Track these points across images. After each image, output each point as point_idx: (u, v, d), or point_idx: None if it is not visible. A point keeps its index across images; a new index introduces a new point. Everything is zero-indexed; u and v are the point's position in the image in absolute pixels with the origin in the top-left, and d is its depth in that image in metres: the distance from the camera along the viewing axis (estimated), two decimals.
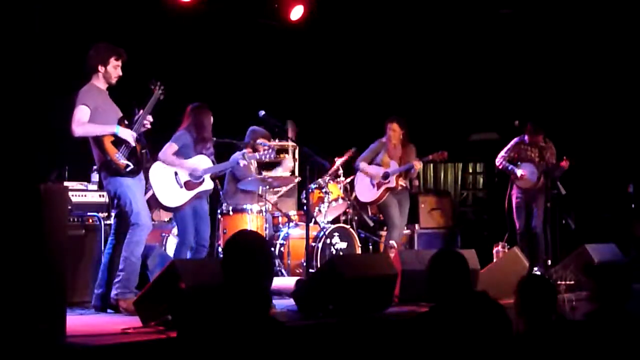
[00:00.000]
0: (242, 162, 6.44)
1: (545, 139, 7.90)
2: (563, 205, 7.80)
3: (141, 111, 5.47)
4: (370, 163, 7.67)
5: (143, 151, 5.48)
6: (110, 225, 6.39)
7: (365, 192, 7.69)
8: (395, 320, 5.00)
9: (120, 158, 5.22)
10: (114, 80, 5.36)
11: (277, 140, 8.37)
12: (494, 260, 6.83)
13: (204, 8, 8.34)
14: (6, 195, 3.81)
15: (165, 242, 7.14)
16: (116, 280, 5.22)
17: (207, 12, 8.45)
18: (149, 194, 6.16)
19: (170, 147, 6.16)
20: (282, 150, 8.73)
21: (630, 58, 8.82)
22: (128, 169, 5.25)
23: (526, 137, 7.91)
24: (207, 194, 6.27)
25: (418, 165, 7.56)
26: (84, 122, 5.13)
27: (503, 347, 3.27)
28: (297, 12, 8.89)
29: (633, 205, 8.43)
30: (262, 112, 5.94)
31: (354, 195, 7.80)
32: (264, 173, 7.33)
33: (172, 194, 6.08)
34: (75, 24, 6.96)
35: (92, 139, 5.24)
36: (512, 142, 8.02)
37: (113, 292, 5.21)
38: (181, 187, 6.10)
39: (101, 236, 5.94)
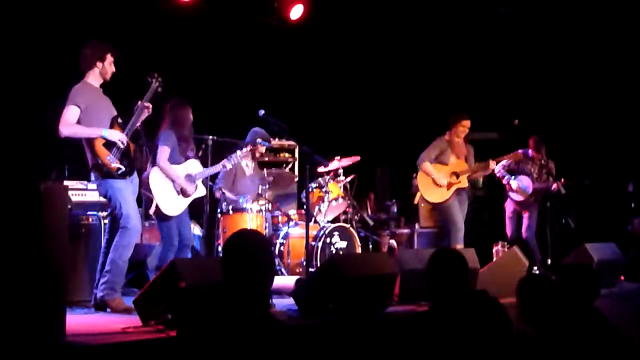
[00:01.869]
0: (228, 165, 6.41)
1: (547, 156, 7.92)
2: (563, 204, 7.81)
3: (139, 103, 5.47)
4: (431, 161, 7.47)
5: (139, 149, 5.46)
6: None
7: (434, 191, 7.40)
8: (394, 319, 4.99)
9: (112, 161, 5.21)
10: (109, 77, 5.38)
11: (277, 140, 8.39)
12: (494, 259, 6.84)
13: (203, 7, 8.35)
14: (6, 195, 3.81)
15: None
16: (102, 281, 5.19)
17: (207, 12, 8.46)
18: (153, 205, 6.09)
19: (164, 152, 6.06)
20: (282, 150, 8.74)
21: (630, 57, 8.82)
22: (120, 172, 5.24)
23: (530, 151, 7.96)
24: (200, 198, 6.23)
25: (492, 166, 7.46)
26: (71, 122, 5.13)
27: (503, 346, 3.27)
28: (296, 11, 8.90)
29: (633, 205, 8.43)
30: (262, 112, 5.93)
31: (418, 194, 7.43)
32: (265, 171, 7.34)
33: (172, 202, 6.03)
34: (76, 25, 6.95)
35: (85, 140, 5.25)
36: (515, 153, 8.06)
37: (99, 293, 5.19)
38: (178, 194, 6.05)
39: (101, 235, 5.94)
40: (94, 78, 5.35)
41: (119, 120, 5.38)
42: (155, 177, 6.01)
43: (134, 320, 4.52)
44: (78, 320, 4.71)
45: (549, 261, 7.41)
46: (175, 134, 6.11)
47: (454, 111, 9.85)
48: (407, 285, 5.53)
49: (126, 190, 5.29)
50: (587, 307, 3.63)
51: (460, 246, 7.28)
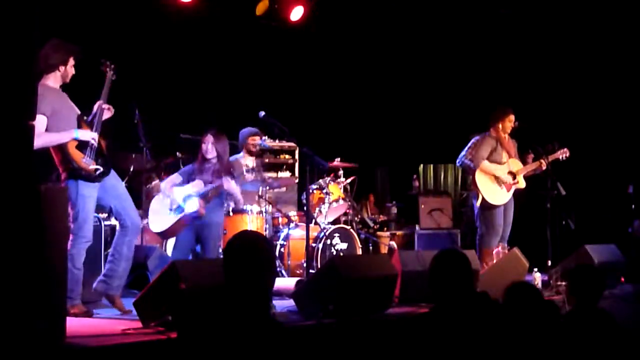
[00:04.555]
0: (226, 185, 6.23)
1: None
2: (563, 205, 7.79)
3: (98, 103, 5.27)
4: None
5: (110, 146, 5.29)
6: (110, 225, 6.43)
7: (496, 193, 7.16)
8: (395, 321, 4.99)
9: (89, 163, 5.07)
10: (69, 80, 5.20)
11: (277, 141, 8.39)
12: (494, 260, 6.82)
13: (203, 8, 8.35)
14: (6, 196, 3.81)
15: (165, 243, 7.15)
16: None
17: (207, 13, 8.46)
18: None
19: (173, 177, 6.27)
20: (282, 151, 8.74)
21: (629, 59, 8.82)
22: (98, 173, 5.10)
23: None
24: (193, 216, 6.11)
25: (544, 166, 7.27)
26: (40, 132, 4.87)
27: (503, 348, 3.27)
28: (297, 13, 8.90)
29: (633, 206, 8.42)
30: (262, 113, 5.93)
31: (480, 197, 7.14)
32: (265, 174, 7.34)
33: (160, 219, 6.14)
34: (75, 25, 6.95)
35: (55, 146, 5.07)
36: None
37: None
38: (170, 210, 6.12)
39: (101, 236, 5.94)
40: (53, 80, 5.14)
41: (85, 117, 5.21)
42: (155, 200, 6.24)
43: (134, 322, 4.52)
44: (78, 322, 4.71)
45: (549, 262, 7.40)
46: (194, 164, 6.31)
47: (454, 111, 9.90)
48: (407, 287, 5.53)
49: (90, 198, 5.14)
50: (592, 307, 3.63)
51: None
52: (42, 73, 5.09)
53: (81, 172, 5.05)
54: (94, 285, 5.28)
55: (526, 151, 7.46)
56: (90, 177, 5.10)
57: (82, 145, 5.09)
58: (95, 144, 5.13)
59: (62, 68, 5.14)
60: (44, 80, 5.09)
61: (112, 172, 5.33)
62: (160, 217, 6.15)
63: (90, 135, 5.11)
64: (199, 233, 6.15)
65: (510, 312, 3.45)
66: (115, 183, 5.36)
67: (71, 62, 5.17)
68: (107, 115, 5.31)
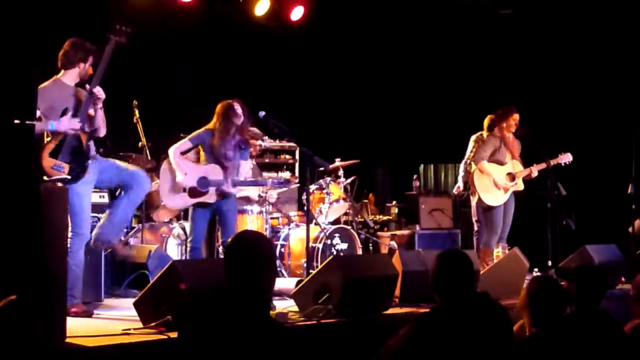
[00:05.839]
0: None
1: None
2: (563, 206, 7.79)
3: (87, 87, 5.13)
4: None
5: (90, 143, 5.12)
6: None
7: (492, 194, 7.17)
8: (395, 321, 4.98)
9: (60, 169, 4.94)
10: (87, 78, 5.15)
11: (277, 141, 8.39)
12: (494, 260, 6.82)
13: (203, 8, 8.35)
14: (6, 196, 3.80)
15: (166, 242, 7.14)
16: None
17: (207, 12, 8.46)
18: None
19: (181, 144, 6.03)
20: (282, 151, 8.74)
21: (630, 60, 8.82)
22: (67, 180, 4.96)
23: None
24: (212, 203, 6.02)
25: (551, 164, 7.21)
26: None
27: (504, 348, 3.27)
28: (297, 13, 8.90)
29: (633, 206, 8.41)
30: (263, 113, 5.91)
31: (477, 196, 7.18)
32: (265, 174, 7.34)
33: (173, 195, 6.01)
34: (75, 25, 6.94)
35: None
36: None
37: None
38: (185, 191, 5.99)
39: None
40: (70, 77, 5.13)
41: (67, 111, 5.07)
42: (166, 164, 6.06)
43: (134, 322, 4.51)
44: (78, 322, 4.70)
45: (549, 263, 7.39)
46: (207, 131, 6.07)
47: (454, 111, 9.90)
48: (407, 287, 5.53)
49: (85, 196, 5.12)
50: (593, 308, 3.63)
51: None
52: (61, 69, 5.12)
53: (53, 179, 4.91)
54: (91, 242, 5.25)
55: (530, 153, 7.45)
56: (65, 182, 4.97)
57: (57, 150, 4.97)
58: (72, 136, 4.99)
59: (81, 65, 5.15)
60: (62, 76, 5.13)
61: (101, 164, 5.23)
62: (172, 192, 6.01)
63: (67, 125, 4.96)
64: (216, 205, 5.99)
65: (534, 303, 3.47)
66: (103, 164, 5.26)
67: (90, 61, 5.18)
68: (96, 102, 5.13)
